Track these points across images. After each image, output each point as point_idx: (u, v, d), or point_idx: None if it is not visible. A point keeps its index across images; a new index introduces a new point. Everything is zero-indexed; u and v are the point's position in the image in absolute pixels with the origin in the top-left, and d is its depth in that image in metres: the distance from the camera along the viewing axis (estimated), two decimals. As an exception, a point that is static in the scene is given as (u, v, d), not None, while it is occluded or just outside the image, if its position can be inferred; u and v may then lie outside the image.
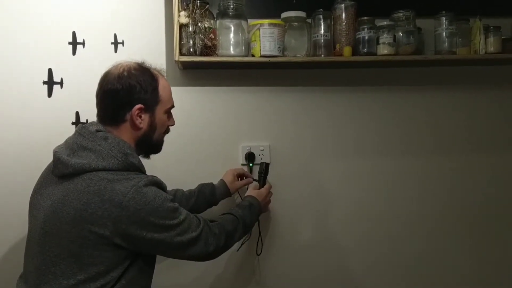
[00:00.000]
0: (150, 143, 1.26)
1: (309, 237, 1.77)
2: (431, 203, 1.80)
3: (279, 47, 1.57)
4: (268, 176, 1.64)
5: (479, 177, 1.81)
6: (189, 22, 1.53)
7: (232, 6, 1.57)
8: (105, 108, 1.21)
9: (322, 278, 1.77)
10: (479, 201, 1.81)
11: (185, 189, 1.57)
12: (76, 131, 1.21)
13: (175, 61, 1.55)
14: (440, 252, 1.81)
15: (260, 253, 1.68)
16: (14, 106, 1.62)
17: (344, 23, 1.63)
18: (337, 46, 1.63)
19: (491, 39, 1.65)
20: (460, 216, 1.81)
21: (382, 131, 1.78)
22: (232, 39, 1.58)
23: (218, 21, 1.59)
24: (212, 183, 1.59)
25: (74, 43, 1.65)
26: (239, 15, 1.58)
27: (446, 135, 1.80)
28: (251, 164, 1.67)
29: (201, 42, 1.55)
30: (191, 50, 1.54)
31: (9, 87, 1.62)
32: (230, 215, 1.36)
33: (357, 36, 1.63)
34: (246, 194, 1.54)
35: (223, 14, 1.58)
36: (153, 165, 1.32)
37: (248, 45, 1.61)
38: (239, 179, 1.63)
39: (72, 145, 1.17)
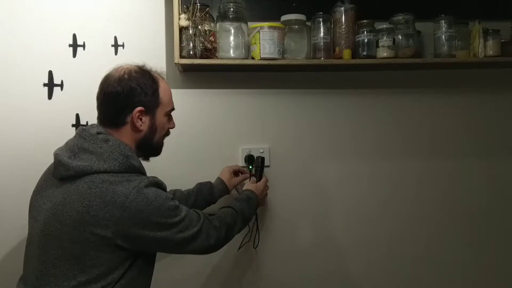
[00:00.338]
0: (151, 146, 1.27)
1: (308, 239, 1.77)
2: (430, 205, 1.80)
3: (279, 50, 1.58)
4: (268, 178, 1.65)
5: (477, 180, 1.82)
6: (189, 25, 1.53)
7: (232, 8, 1.58)
8: (105, 111, 1.22)
9: (322, 279, 1.77)
10: (477, 204, 1.82)
11: (183, 190, 1.58)
12: (76, 134, 1.21)
13: (175, 63, 1.55)
14: (439, 254, 1.81)
15: (257, 246, 1.69)
16: (15, 108, 1.63)
17: (343, 26, 1.63)
18: (337, 49, 1.63)
19: (490, 42, 1.65)
20: (459, 218, 1.81)
21: (381, 134, 1.78)
22: (232, 42, 1.59)
23: (218, 24, 1.60)
24: (210, 182, 1.60)
25: (74, 45, 1.65)
26: (239, 18, 1.59)
27: (445, 137, 1.80)
28: (250, 167, 1.67)
29: (201, 44, 1.55)
30: (191, 52, 1.55)
31: (10, 89, 1.62)
32: (229, 208, 1.39)
33: (357, 39, 1.64)
34: (244, 188, 1.56)
35: (223, 17, 1.59)
36: (153, 167, 1.32)
37: (248, 48, 1.62)
38: (235, 175, 1.65)
39: (73, 148, 1.17)
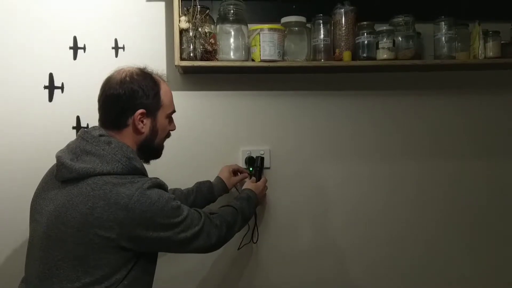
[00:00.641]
0: (152, 148, 1.27)
1: (308, 240, 1.77)
2: (430, 206, 1.81)
3: (279, 51, 1.58)
4: (268, 179, 1.66)
5: (478, 181, 1.82)
6: (189, 27, 1.54)
7: (232, 11, 1.58)
8: (107, 113, 1.22)
9: (322, 280, 1.77)
10: (477, 205, 1.82)
11: (183, 189, 1.59)
12: (78, 136, 1.21)
13: (175, 65, 1.55)
14: (439, 254, 1.81)
15: (257, 241, 1.70)
16: (15, 110, 1.63)
17: (343, 28, 1.63)
18: (337, 50, 1.63)
19: (490, 44, 1.65)
20: (459, 220, 1.82)
21: (381, 135, 1.78)
22: (232, 44, 1.59)
23: (218, 26, 1.60)
24: (209, 181, 1.60)
25: (75, 48, 1.66)
26: (239, 20, 1.59)
27: (445, 139, 1.81)
28: (251, 169, 1.68)
29: (201, 47, 1.55)
30: (191, 54, 1.55)
31: (10, 91, 1.63)
32: (230, 207, 1.40)
33: (357, 41, 1.64)
34: (243, 187, 1.57)
35: (223, 19, 1.59)
36: (154, 169, 1.32)
37: (248, 50, 1.62)
38: (235, 174, 1.65)
39: (75, 150, 1.18)
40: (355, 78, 1.76)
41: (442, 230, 1.81)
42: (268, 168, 1.72)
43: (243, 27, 1.60)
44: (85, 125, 1.65)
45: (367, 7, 1.67)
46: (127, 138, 1.21)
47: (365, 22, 1.64)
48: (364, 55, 1.63)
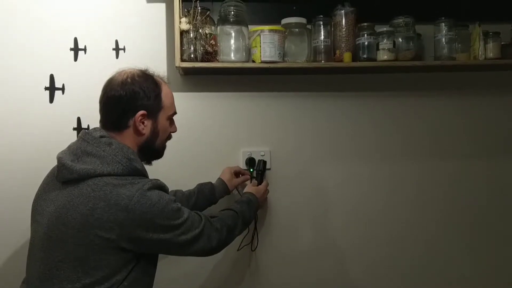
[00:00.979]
0: (152, 149, 1.28)
1: (309, 241, 1.77)
2: (430, 207, 1.81)
3: (279, 53, 1.58)
4: (269, 180, 1.66)
5: (478, 182, 1.82)
6: (190, 28, 1.54)
7: (232, 12, 1.58)
8: (108, 114, 1.23)
9: (322, 281, 1.77)
10: (477, 205, 1.82)
11: (184, 191, 1.59)
12: (79, 137, 1.22)
13: (176, 67, 1.55)
14: (439, 255, 1.81)
15: (255, 249, 1.70)
16: (16, 111, 1.63)
17: (344, 29, 1.63)
18: (337, 52, 1.64)
19: (490, 45, 1.65)
20: (459, 220, 1.82)
21: (381, 136, 1.79)
22: (233, 45, 1.59)
23: (219, 27, 1.60)
24: (210, 182, 1.61)
25: (75, 49, 1.66)
26: (239, 21, 1.59)
27: (445, 140, 1.81)
28: (251, 170, 1.68)
29: (202, 48, 1.55)
30: (192, 56, 1.55)
31: (11, 92, 1.63)
32: (230, 211, 1.40)
33: (357, 42, 1.64)
34: (244, 191, 1.57)
35: (224, 20, 1.59)
36: (154, 170, 1.32)
37: (248, 51, 1.62)
38: (236, 176, 1.65)
39: (76, 151, 1.18)
40: (356, 79, 1.77)
41: (442, 230, 1.81)
42: (269, 169, 1.72)
43: (244, 28, 1.60)
44: (86, 126, 1.65)
45: (368, 8, 1.67)
46: (128, 140, 1.22)
47: (365, 23, 1.64)
48: (365, 56, 1.63)
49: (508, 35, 1.72)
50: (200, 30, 1.55)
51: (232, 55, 1.59)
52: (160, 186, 1.18)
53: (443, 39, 1.68)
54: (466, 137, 1.81)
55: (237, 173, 1.66)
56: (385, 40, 1.61)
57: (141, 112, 1.20)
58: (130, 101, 1.20)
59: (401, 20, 1.66)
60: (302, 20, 1.63)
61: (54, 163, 1.22)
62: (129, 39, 1.67)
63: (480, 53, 1.65)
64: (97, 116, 1.25)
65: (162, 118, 1.26)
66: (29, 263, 1.21)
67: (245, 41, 1.61)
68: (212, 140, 1.72)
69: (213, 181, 1.62)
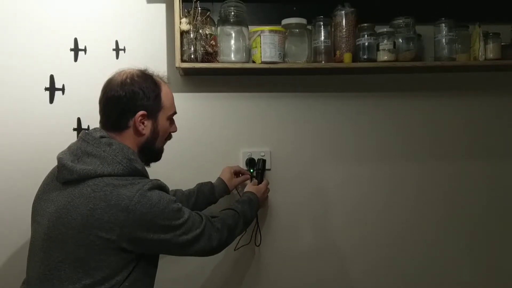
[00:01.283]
0: (152, 150, 1.28)
1: (309, 241, 1.77)
2: (430, 208, 1.81)
3: (279, 53, 1.58)
4: (269, 181, 1.66)
5: (478, 183, 1.82)
6: (190, 29, 1.54)
7: (233, 12, 1.58)
8: (108, 115, 1.22)
9: (322, 281, 1.77)
10: (477, 207, 1.82)
11: (184, 190, 1.59)
12: (79, 137, 1.22)
13: (176, 67, 1.55)
14: (439, 256, 1.81)
15: (260, 244, 1.70)
16: (16, 112, 1.63)
17: (344, 30, 1.63)
18: (337, 52, 1.64)
19: (490, 46, 1.65)
20: (459, 221, 1.82)
21: (381, 137, 1.79)
22: (233, 46, 1.59)
23: (219, 28, 1.60)
24: (210, 182, 1.60)
25: (76, 49, 1.66)
26: (240, 22, 1.59)
27: (445, 141, 1.81)
28: (252, 170, 1.68)
29: (202, 48, 1.55)
30: (192, 56, 1.55)
31: (11, 93, 1.63)
32: (231, 210, 1.40)
33: (357, 43, 1.64)
34: (245, 190, 1.57)
35: (224, 21, 1.59)
36: (154, 171, 1.32)
37: (249, 52, 1.62)
38: (236, 176, 1.65)
39: (76, 151, 1.18)
40: (356, 80, 1.77)
41: (442, 231, 1.81)
42: (269, 169, 1.72)
43: (244, 29, 1.60)
44: (86, 127, 1.65)
45: (368, 9, 1.67)
46: (128, 140, 1.22)
47: (365, 24, 1.64)
48: (365, 57, 1.63)
49: (508, 35, 1.72)
50: (201, 31, 1.55)
51: (232, 55, 1.59)
52: (160, 186, 1.18)
53: (443, 40, 1.68)
54: (466, 137, 1.81)
55: (237, 173, 1.66)
56: (385, 41, 1.62)
57: (141, 112, 1.20)
58: (129, 101, 1.20)
59: (401, 21, 1.66)
60: (302, 20, 1.63)
61: (54, 163, 1.22)
62: (129, 40, 1.67)
63: (480, 53, 1.65)
64: (97, 117, 1.25)
65: (162, 118, 1.26)
66: (29, 264, 1.21)
67: (245, 42, 1.61)
68: (212, 140, 1.72)
69: (213, 181, 1.62)
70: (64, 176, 1.16)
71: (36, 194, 1.25)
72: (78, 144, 1.20)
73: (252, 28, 1.61)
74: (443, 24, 1.68)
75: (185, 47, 1.55)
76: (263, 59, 1.57)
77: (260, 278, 1.75)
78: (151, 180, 1.18)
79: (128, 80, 1.21)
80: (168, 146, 1.35)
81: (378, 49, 1.62)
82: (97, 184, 1.12)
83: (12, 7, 1.63)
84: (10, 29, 1.63)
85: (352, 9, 1.63)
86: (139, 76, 1.23)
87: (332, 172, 1.77)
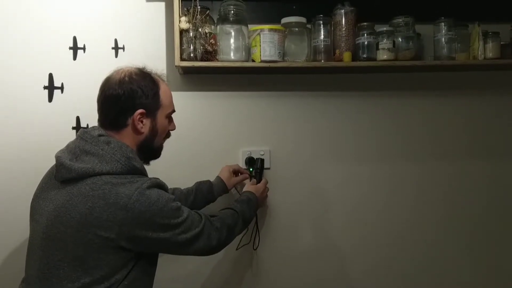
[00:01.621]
0: (151, 148, 1.27)
1: (308, 241, 1.77)
2: (430, 207, 1.81)
3: (279, 52, 1.58)
4: (268, 180, 1.66)
5: (478, 183, 1.82)
6: (189, 28, 1.54)
7: (232, 11, 1.58)
8: (106, 113, 1.22)
9: (321, 281, 1.77)
10: (477, 207, 1.82)
11: (183, 189, 1.58)
12: (78, 136, 1.21)
13: (175, 66, 1.55)
14: (439, 256, 1.81)
15: (257, 248, 1.70)
16: (15, 110, 1.63)
17: (344, 29, 1.63)
18: (337, 51, 1.64)
19: (490, 45, 1.65)
20: (459, 220, 1.82)
21: (381, 136, 1.78)
22: (233, 44, 1.59)
23: (218, 27, 1.60)
24: (209, 181, 1.60)
25: (74, 48, 1.65)
26: (239, 21, 1.59)
27: (445, 140, 1.81)
28: (251, 169, 1.67)
29: (201, 47, 1.55)
30: (191, 55, 1.55)
31: (10, 91, 1.63)
32: (230, 210, 1.39)
33: (357, 42, 1.64)
34: (244, 190, 1.57)
35: (224, 20, 1.59)
36: (153, 169, 1.32)
37: (248, 50, 1.62)
38: (235, 175, 1.65)
39: (74, 150, 1.18)
40: (355, 79, 1.76)
41: (442, 231, 1.81)
42: (268, 168, 1.72)
43: (244, 27, 1.60)
44: (85, 126, 1.65)
45: (367, 8, 1.67)
46: (126, 138, 1.21)
47: (365, 23, 1.64)
48: (364, 56, 1.63)
49: (507, 35, 1.72)
50: (200, 29, 1.55)
51: (231, 54, 1.59)
52: (159, 185, 1.18)
53: (443, 39, 1.68)
54: (466, 136, 1.81)
55: (236, 172, 1.65)
56: (384, 40, 1.61)
57: (140, 110, 1.20)
58: (128, 99, 1.19)
59: (400, 20, 1.66)
60: (302, 19, 1.63)
61: (53, 162, 1.22)
62: (128, 38, 1.67)
63: (479, 53, 1.65)
64: (97, 116, 1.24)
65: (160, 116, 1.25)
66: (28, 263, 1.21)
67: (245, 41, 1.61)
68: (211, 139, 1.72)
69: (212, 180, 1.61)
70: (63, 175, 1.15)
71: (35, 193, 1.25)
72: (76, 143, 1.19)
73: (252, 27, 1.61)
74: (443, 23, 1.68)
75: (185, 46, 1.55)
76: (262, 58, 1.57)
77: (260, 278, 1.75)
78: (150, 178, 1.18)
79: (126, 78, 1.20)
80: (167, 145, 1.34)
81: (377, 48, 1.62)
82: (96, 183, 1.11)
83: (11, 6, 1.63)
84: (9, 28, 1.63)
85: (352, 8, 1.63)
86: (138, 74, 1.22)
87: (332, 172, 1.77)
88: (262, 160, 1.68)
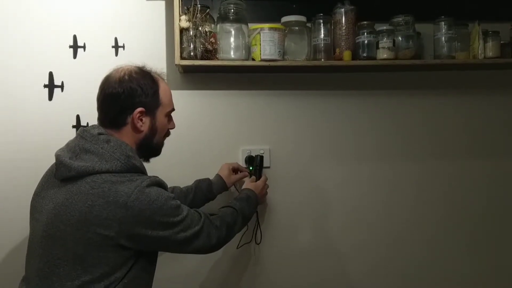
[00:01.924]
0: (151, 146, 1.27)
1: (308, 240, 1.77)
2: (430, 207, 1.81)
3: (279, 51, 1.58)
4: (268, 179, 1.66)
5: (478, 182, 1.82)
6: (189, 26, 1.54)
7: (232, 10, 1.58)
8: (106, 112, 1.22)
9: (321, 281, 1.77)
10: (478, 206, 1.82)
11: (182, 187, 1.58)
12: (77, 134, 1.22)
13: (175, 64, 1.55)
14: (439, 255, 1.81)
15: (260, 242, 1.70)
16: (15, 109, 1.63)
17: (344, 28, 1.63)
18: (337, 50, 1.64)
19: (489, 44, 1.66)
20: (459, 220, 1.82)
21: (381, 135, 1.79)
22: (233, 43, 1.59)
23: (218, 25, 1.60)
24: (208, 179, 1.60)
25: (75, 46, 1.66)
26: (239, 19, 1.59)
27: (445, 139, 1.81)
28: (251, 168, 1.67)
29: (201, 46, 1.55)
30: (191, 54, 1.55)
31: (10, 90, 1.63)
32: (230, 208, 1.39)
33: (357, 41, 1.64)
34: (243, 187, 1.57)
35: (224, 18, 1.59)
36: (153, 168, 1.32)
37: (248, 49, 1.62)
38: (235, 173, 1.65)
39: (74, 148, 1.18)
40: (355, 78, 1.77)
41: (442, 231, 1.81)
42: (268, 167, 1.72)
43: (244, 26, 1.60)
44: (85, 124, 1.65)
45: (367, 6, 1.67)
46: (126, 137, 1.21)
47: (365, 22, 1.64)
48: (364, 54, 1.63)
49: (507, 34, 1.72)
50: (200, 28, 1.55)
51: (231, 53, 1.59)
52: (159, 183, 1.18)
53: (443, 38, 1.68)
54: (466, 136, 1.81)
55: (235, 170, 1.65)
56: (385, 39, 1.61)
57: (139, 109, 1.20)
58: (127, 98, 1.19)
59: (401, 19, 1.66)
60: (302, 18, 1.63)
61: (53, 161, 1.22)
62: (128, 37, 1.67)
63: (479, 52, 1.65)
64: (96, 114, 1.24)
65: (160, 115, 1.25)
66: (28, 261, 1.21)
67: (245, 39, 1.61)
68: (211, 138, 1.72)
69: (212, 178, 1.61)
70: (62, 173, 1.15)
71: (35, 192, 1.25)
72: (76, 141, 1.20)
73: (252, 26, 1.61)
74: (443, 22, 1.68)
75: (185, 45, 1.55)
76: (262, 57, 1.57)
77: (260, 276, 1.75)
78: (150, 176, 1.18)
79: (126, 76, 1.20)
80: (167, 144, 1.34)
81: (377, 47, 1.62)
82: (95, 181, 1.11)
83: (11, 5, 1.63)
84: (9, 26, 1.63)
85: (352, 7, 1.63)
86: (137, 73, 1.22)
87: (332, 170, 1.77)
88: (261, 157, 1.68)
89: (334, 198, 1.78)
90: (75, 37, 1.66)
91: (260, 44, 1.56)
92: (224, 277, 1.74)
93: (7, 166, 1.63)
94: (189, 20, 1.54)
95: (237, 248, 1.67)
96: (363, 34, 1.63)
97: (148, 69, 1.27)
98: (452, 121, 1.81)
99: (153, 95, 1.23)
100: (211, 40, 1.57)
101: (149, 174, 1.24)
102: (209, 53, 1.56)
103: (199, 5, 1.56)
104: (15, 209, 1.60)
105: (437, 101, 1.80)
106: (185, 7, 1.57)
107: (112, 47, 1.67)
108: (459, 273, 1.82)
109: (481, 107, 1.81)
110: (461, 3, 1.73)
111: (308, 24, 1.66)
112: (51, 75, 1.65)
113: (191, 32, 1.54)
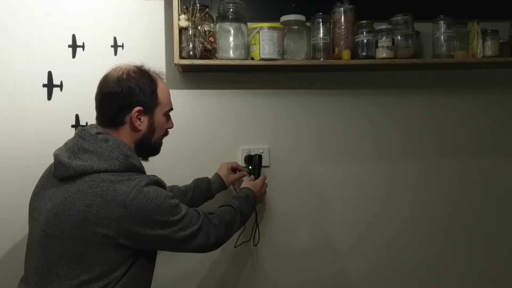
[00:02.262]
0: (149, 145, 1.27)
1: (307, 240, 1.77)
2: (430, 206, 1.81)
3: (278, 50, 1.58)
4: (267, 178, 1.65)
5: (477, 181, 1.82)
6: (189, 26, 1.54)
7: (231, 9, 1.58)
8: (104, 111, 1.22)
9: (320, 280, 1.77)
10: (477, 205, 1.82)
11: (181, 186, 1.59)
12: (76, 134, 1.22)
13: (175, 64, 1.55)
14: (439, 255, 1.81)
15: (258, 242, 1.70)
16: (14, 108, 1.63)
17: (343, 27, 1.63)
18: (336, 49, 1.64)
19: (488, 43, 1.66)
20: (459, 220, 1.82)
21: (380, 134, 1.79)
22: (232, 42, 1.59)
23: (217, 25, 1.60)
24: (207, 178, 1.60)
25: (74, 46, 1.65)
26: (238, 19, 1.59)
27: (444, 138, 1.81)
28: (250, 167, 1.67)
29: (200, 45, 1.55)
30: (190, 53, 1.55)
31: (9, 89, 1.63)
32: (228, 207, 1.40)
33: (356, 40, 1.64)
34: (241, 186, 1.57)
35: (223, 18, 1.59)
36: (152, 167, 1.32)
37: (247, 48, 1.62)
38: (233, 172, 1.65)
39: (72, 148, 1.18)
40: (354, 77, 1.76)
41: (441, 230, 1.81)
42: (267, 166, 1.72)
43: (243, 25, 1.60)
44: (84, 123, 1.65)
45: (367, 6, 1.67)
46: (124, 136, 1.21)
47: (364, 21, 1.64)
48: (364, 53, 1.63)
49: (506, 33, 1.72)
50: (199, 27, 1.55)
51: (231, 52, 1.59)
52: (157, 182, 1.18)
53: (442, 37, 1.68)
54: (465, 135, 1.81)
55: (234, 169, 1.65)
56: (384, 38, 1.62)
57: (137, 108, 1.20)
58: (126, 97, 1.19)
59: (400, 18, 1.66)
60: (301, 17, 1.63)
61: (52, 160, 1.21)
62: (127, 36, 1.67)
63: (478, 51, 1.65)
64: (95, 113, 1.24)
65: (158, 114, 1.25)
66: (27, 260, 1.21)
67: (244, 39, 1.61)
68: (210, 137, 1.72)
69: (210, 177, 1.61)
70: (61, 173, 1.15)
71: (33, 191, 1.25)
72: (74, 141, 1.20)
73: (251, 25, 1.61)
74: (442, 21, 1.68)
75: (184, 44, 1.55)
76: (262, 56, 1.57)
77: (258, 276, 1.75)
78: (148, 176, 1.18)
79: (124, 76, 1.20)
80: (166, 143, 1.34)
81: (376, 46, 1.62)
82: (94, 180, 1.12)
83: (10, 4, 1.62)
84: (8, 25, 1.62)
85: (351, 6, 1.63)
86: (136, 72, 1.22)
87: (331, 170, 1.77)
88: (260, 156, 1.68)
89: (333, 198, 1.78)
90: (74, 37, 1.65)
91: (259, 44, 1.56)
92: (223, 276, 1.74)
93: (6, 166, 1.63)
94: (188, 20, 1.54)
95: (234, 247, 1.67)
96: (362, 33, 1.63)
97: (146, 68, 1.27)
98: (451, 120, 1.81)
99: (151, 94, 1.23)
100: (210, 39, 1.57)
101: (148, 173, 1.24)
102: (208, 53, 1.56)
103: (198, 5, 1.56)
104: (14, 208, 1.60)
105: (436, 100, 1.80)
106: (184, 7, 1.57)
107: (111, 46, 1.67)
108: (459, 272, 1.82)
109: (480, 106, 1.81)
110: (460, 2, 1.73)
111: (307, 23, 1.66)
112: (50, 74, 1.65)
113: (190, 32, 1.54)
